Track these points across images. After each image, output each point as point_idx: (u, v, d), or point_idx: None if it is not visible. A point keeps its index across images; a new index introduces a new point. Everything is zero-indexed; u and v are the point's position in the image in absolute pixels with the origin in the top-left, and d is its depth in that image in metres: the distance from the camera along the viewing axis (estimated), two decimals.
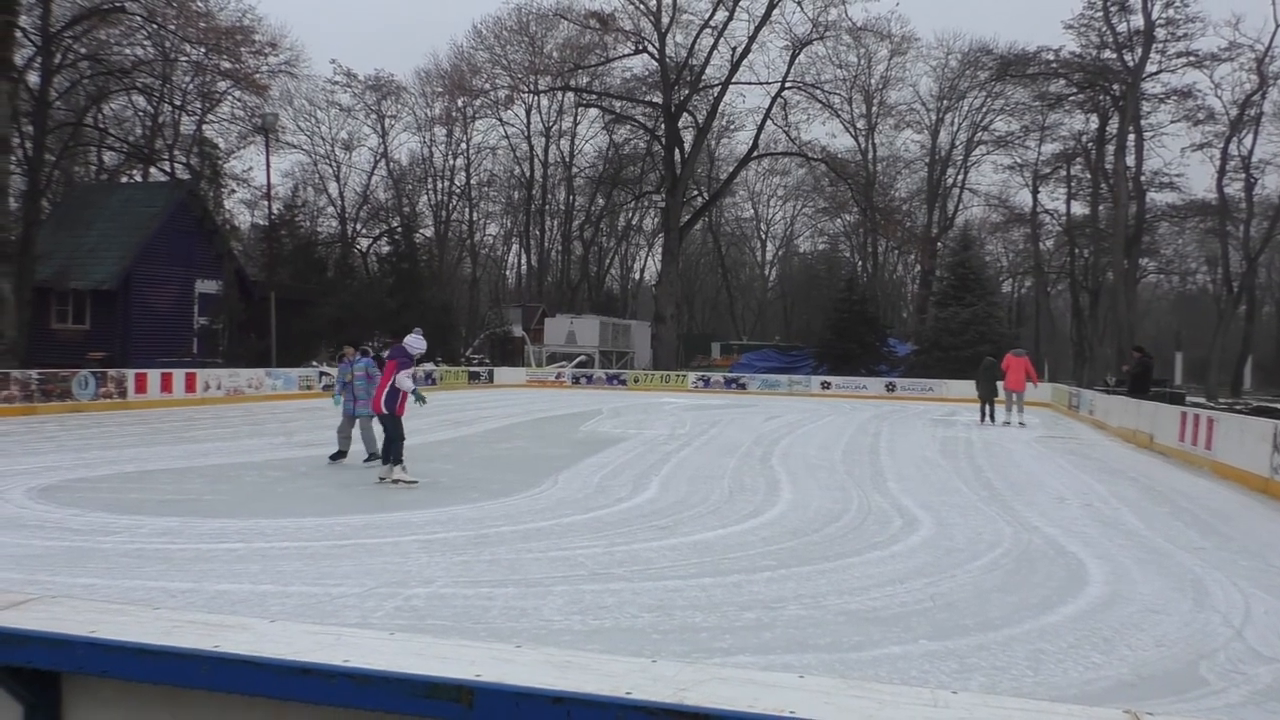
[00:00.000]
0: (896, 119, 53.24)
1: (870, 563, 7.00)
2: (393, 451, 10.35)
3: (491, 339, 48.53)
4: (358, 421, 12.03)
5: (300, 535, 7.54)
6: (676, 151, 46.64)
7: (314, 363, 32.38)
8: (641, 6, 45.27)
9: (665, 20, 45.17)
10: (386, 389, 10.32)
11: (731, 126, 55.42)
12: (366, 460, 11.76)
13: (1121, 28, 42.96)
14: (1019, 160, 52.18)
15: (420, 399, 10.65)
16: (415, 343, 10.54)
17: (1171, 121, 45.57)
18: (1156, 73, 43.53)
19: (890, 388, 36.44)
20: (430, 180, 57.83)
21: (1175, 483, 12.48)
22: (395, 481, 10.23)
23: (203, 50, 31.18)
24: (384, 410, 10.32)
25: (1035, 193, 52.47)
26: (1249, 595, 6.32)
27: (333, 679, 1.31)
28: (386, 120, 54.45)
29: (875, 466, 13.27)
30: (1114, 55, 43.48)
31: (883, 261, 59.56)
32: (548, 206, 60.87)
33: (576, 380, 40.00)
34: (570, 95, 51.97)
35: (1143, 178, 45.04)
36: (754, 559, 7.00)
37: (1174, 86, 44.28)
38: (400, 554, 6.88)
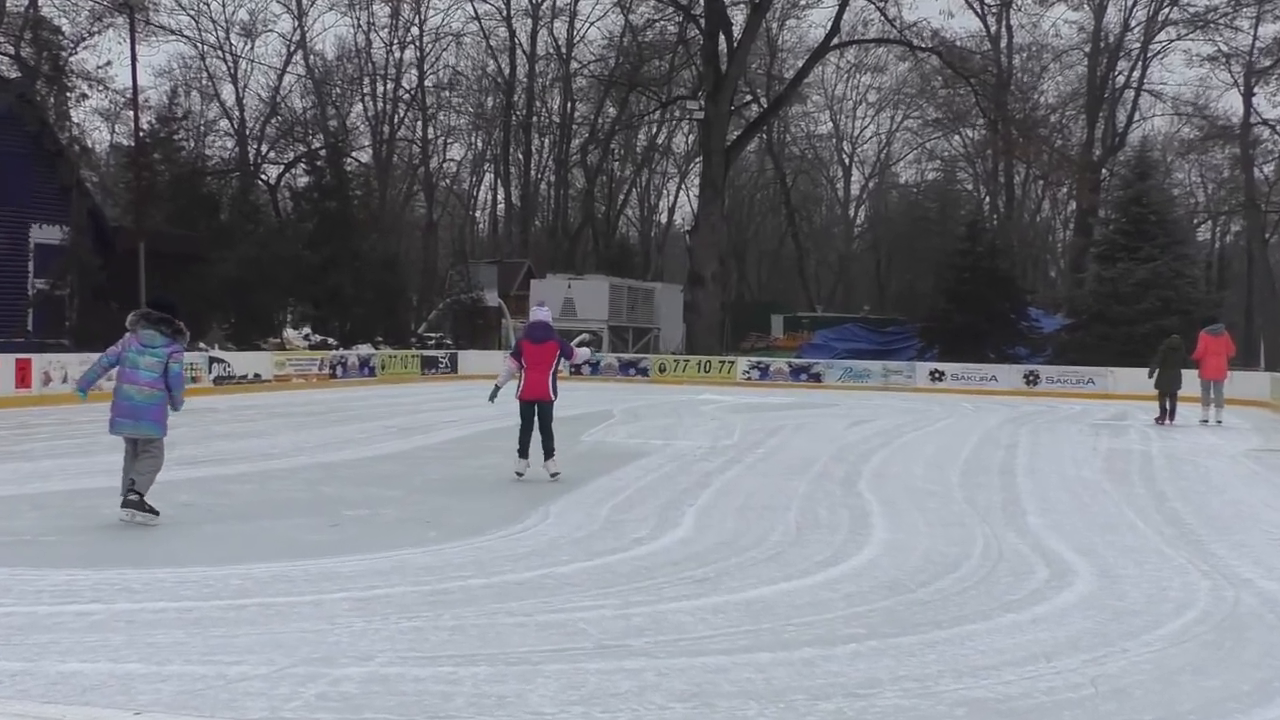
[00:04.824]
0: None
1: (1002, 631, 7.00)
2: (553, 440, 13.48)
3: (455, 310, 48.65)
4: (140, 446, 10.12)
5: (183, 592, 7.57)
6: (721, 39, 46.46)
7: (202, 345, 32.56)
8: None
9: None
10: (551, 375, 13.32)
11: (802, 2, 55.27)
12: (129, 501, 9.93)
13: None
14: (1224, 48, 51.71)
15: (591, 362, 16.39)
16: (546, 314, 13.91)
17: None
18: None
19: (1032, 379, 36.29)
20: (368, 82, 57.97)
21: None
22: (557, 475, 13.27)
23: None
24: (555, 397, 13.40)
25: (1248, 96, 52.00)
26: None
27: None
28: None
29: (1010, 492, 13.29)
30: None
31: (1021, 197, 59.30)
32: (536, 120, 60.94)
33: (576, 369, 40.08)
34: None
35: None
36: (833, 625, 7.02)
37: None
38: (325, 618, 6.91)
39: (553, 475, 13.25)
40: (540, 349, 13.29)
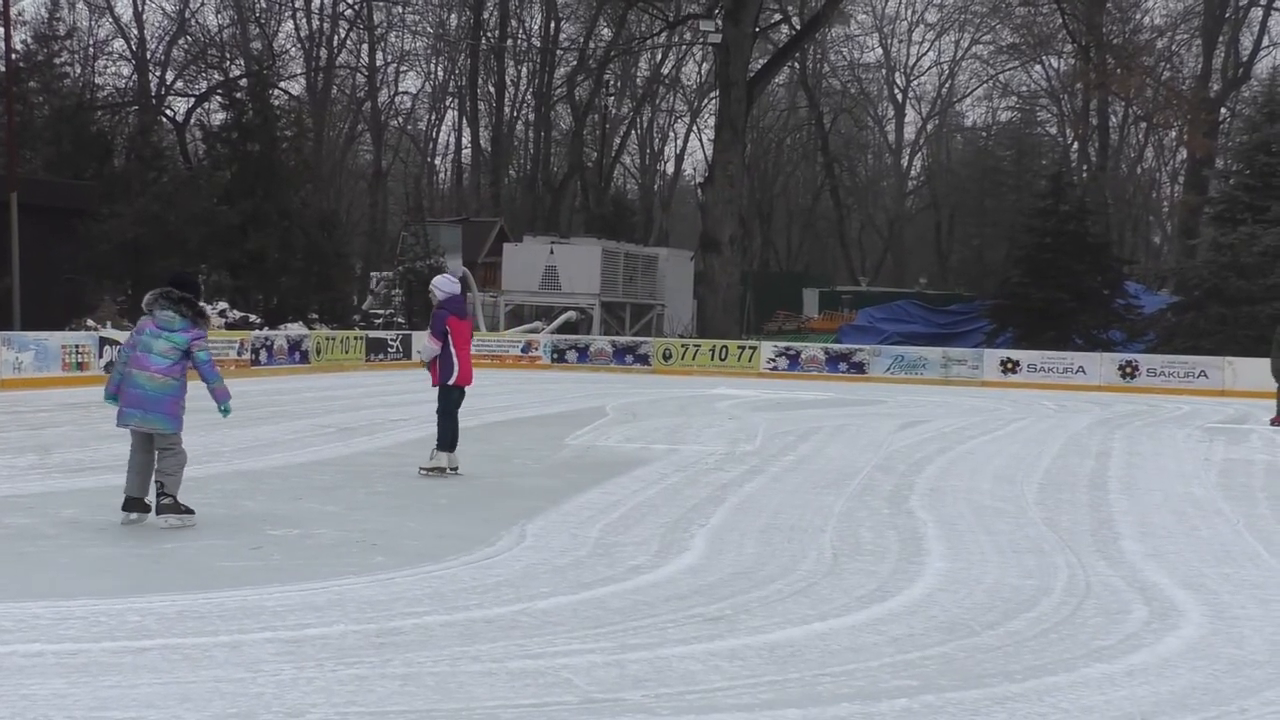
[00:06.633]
0: None
1: (1090, 685, 6.99)
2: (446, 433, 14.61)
3: (408, 280, 48.57)
4: (156, 443, 10.94)
5: (64, 632, 7.53)
6: None
7: (91, 321, 32.55)
8: None
9: None
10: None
11: None
12: (162, 507, 10.92)
13: None
14: None
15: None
16: (450, 285, 14.55)
17: None
18: None
19: (1128, 372, 36.29)
20: None
21: None
22: (434, 471, 14.47)
23: None
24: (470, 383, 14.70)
25: None
26: None
27: None
28: None
29: (1100, 512, 13.26)
30: None
31: (1118, 143, 59.19)
32: (511, 44, 60.80)
33: (561, 355, 40.02)
34: None
35: None
36: (877, 676, 7.01)
37: None
38: (246, 665, 6.89)
39: (454, 469, 14.63)
40: (467, 325, 14.83)
